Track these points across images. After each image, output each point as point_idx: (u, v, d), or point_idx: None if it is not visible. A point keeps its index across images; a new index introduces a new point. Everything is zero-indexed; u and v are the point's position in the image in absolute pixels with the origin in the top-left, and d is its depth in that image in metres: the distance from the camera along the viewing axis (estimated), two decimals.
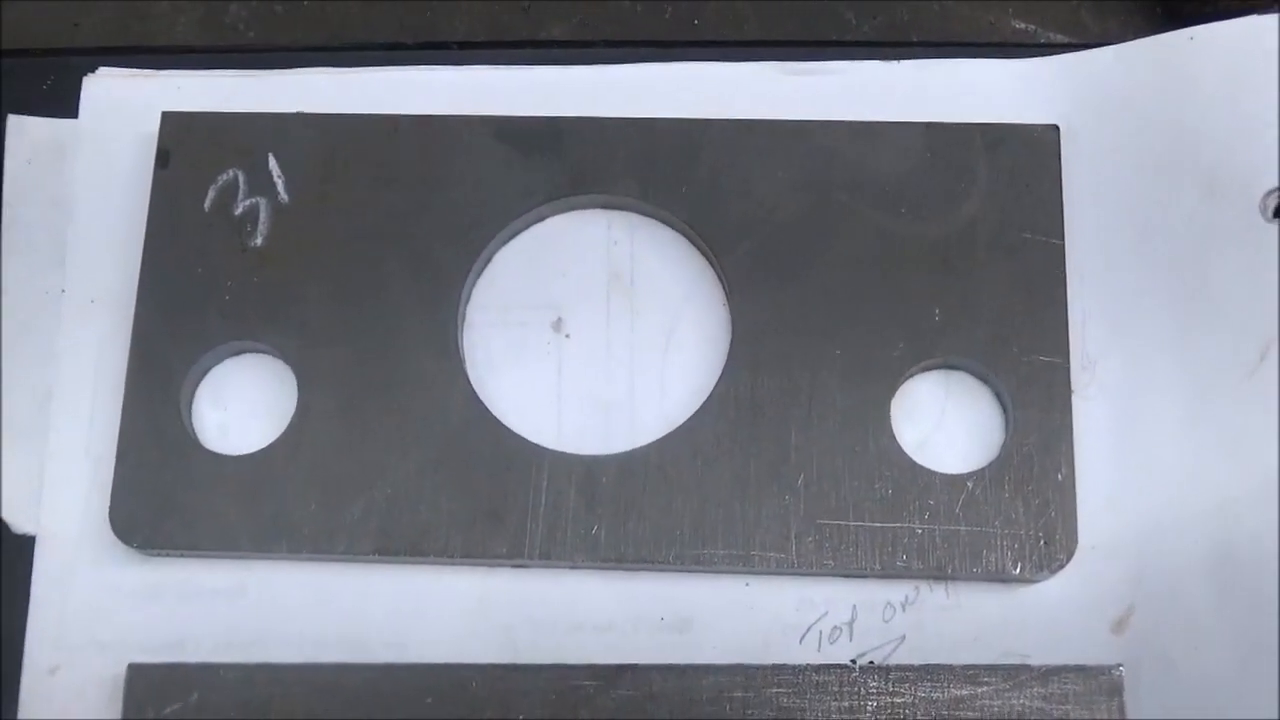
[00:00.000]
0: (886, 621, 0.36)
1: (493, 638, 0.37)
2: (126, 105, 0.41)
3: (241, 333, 0.39)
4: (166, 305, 0.39)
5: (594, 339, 0.39)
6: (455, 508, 0.37)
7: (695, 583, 0.37)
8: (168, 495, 0.37)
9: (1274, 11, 0.39)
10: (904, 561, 0.36)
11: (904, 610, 0.36)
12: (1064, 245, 0.38)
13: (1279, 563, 0.35)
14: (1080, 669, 0.35)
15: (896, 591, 0.36)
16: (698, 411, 0.37)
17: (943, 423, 0.37)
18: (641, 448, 0.37)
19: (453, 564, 0.37)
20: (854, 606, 0.36)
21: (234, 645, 0.37)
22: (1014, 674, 0.35)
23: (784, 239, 0.39)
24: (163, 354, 0.38)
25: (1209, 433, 0.36)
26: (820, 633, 0.36)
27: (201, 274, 0.39)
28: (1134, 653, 0.35)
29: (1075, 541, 0.36)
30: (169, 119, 0.40)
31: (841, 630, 0.36)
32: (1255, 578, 0.35)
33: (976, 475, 0.36)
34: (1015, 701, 0.35)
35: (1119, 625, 0.36)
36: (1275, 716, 0.34)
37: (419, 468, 0.37)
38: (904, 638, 0.36)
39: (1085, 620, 0.36)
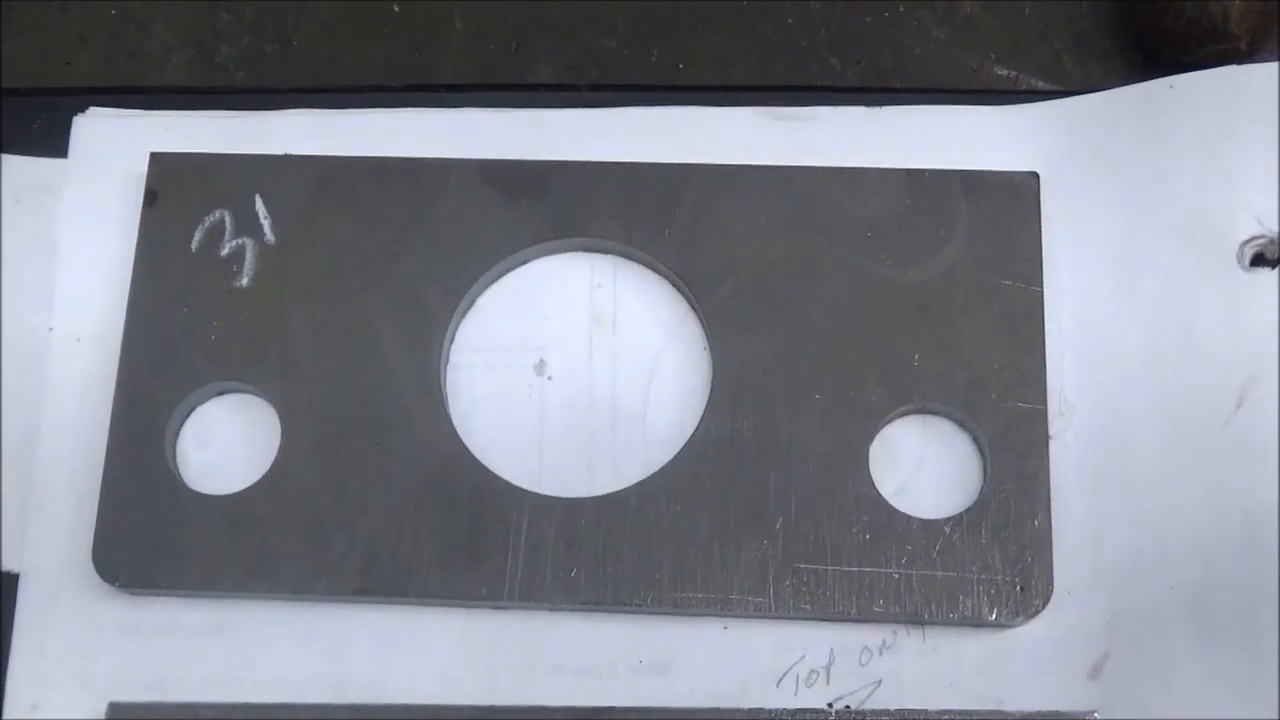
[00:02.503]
0: (863, 665, 0.36)
1: (472, 679, 0.37)
2: (116, 145, 0.41)
3: (226, 373, 0.39)
4: (152, 344, 0.39)
5: (576, 381, 0.39)
6: (436, 548, 0.37)
7: (674, 625, 0.37)
8: (151, 534, 0.37)
9: (1252, 62, 0.39)
10: (881, 606, 0.36)
11: (881, 655, 0.36)
12: (1042, 291, 0.38)
13: (1253, 608, 0.35)
14: (1055, 715, 0.35)
15: (874, 636, 0.37)
16: (678, 455, 0.38)
17: (920, 468, 0.38)
18: (621, 490, 0.37)
19: (433, 604, 0.37)
20: (831, 650, 0.37)
21: (214, 684, 0.37)
22: None
23: (765, 283, 0.39)
24: (148, 393, 0.38)
25: (1185, 478, 0.37)
26: (798, 676, 0.36)
27: (187, 314, 0.39)
28: (1110, 698, 0.36)
29: (1051, 587, 0.36)
30: (157, 159, 0.41)
31: (819, 674, 0.36)
32: (1231, 623, 0.36)
33: (953, 520, 0.37)
34: None
35: (1095, 671, 0.36)
36: None
37: (400, 507, 0.37)
38: (880, 682, 0.36)
39: (1061, 666, 0.36)
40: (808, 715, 0.36)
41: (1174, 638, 0.36)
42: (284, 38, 0.43)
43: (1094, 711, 0.35)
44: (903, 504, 0.37)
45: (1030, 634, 0.36)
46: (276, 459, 0.38)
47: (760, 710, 0.36)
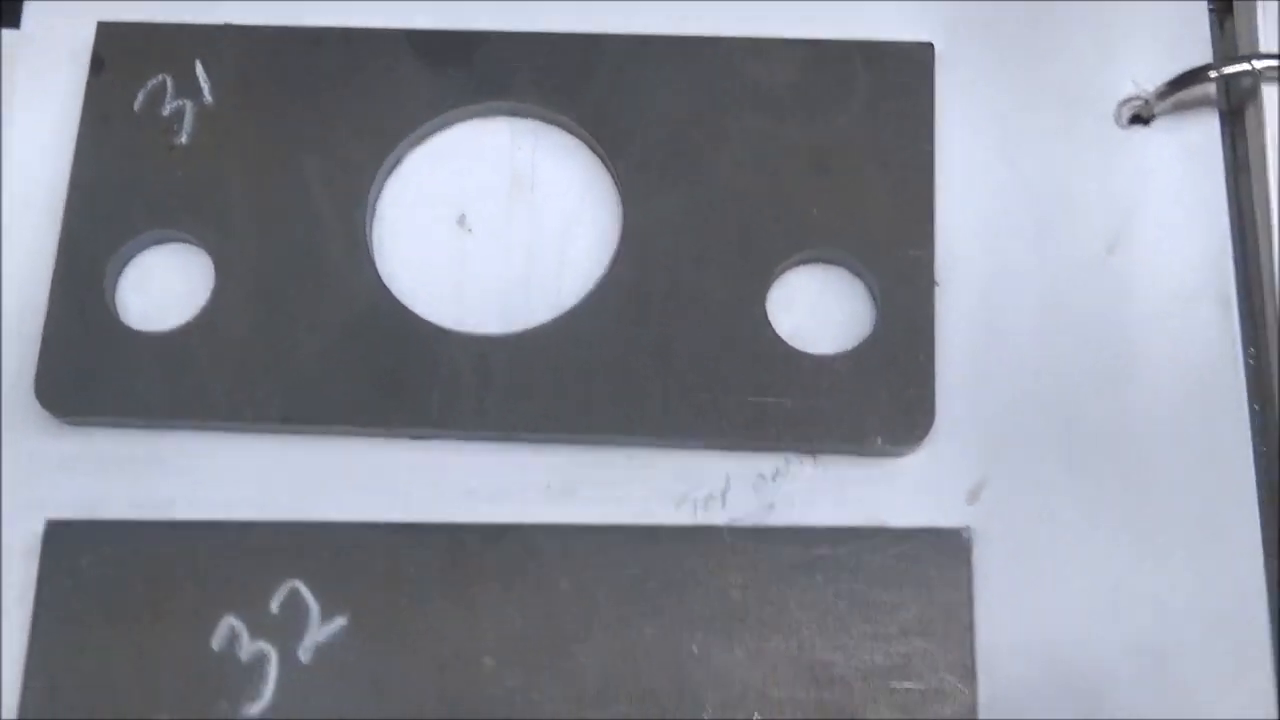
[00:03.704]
0: (757, 491, 0.39)
1: (390, 503, 0.39)
2: (67, 17, 0.44)
3: (164, 223, 0.41)
4: (95, 195, 0.41)
5: (495, 234, 0.41)
6: (358, 382, 0.39)
7: (580, 454, 0.39)
8: (90, 368, 0.40)
9: None
10: (775, 436, 0.39)
11: (774, 481, 0.39)
12: (933, 151, 0.41)
13: (1118, 438, 0.38)
14: (933, 531, 0.38)
15: (768, 464, 0.39)
16: (587, 297, 0.40)
17: (815, 312, 0.40)
18: (534, 329, 0.40)
19: (355, 435, 0.40)
20: (727, 476, 0.39)
21: (148, 509, 0.39)
22: (872, 535, 0.38)
23: (674, 145, 0.41)
24: (89, 239, 0.41)
25: (1060, 320, 0.39)
26: (695, 500, 0.39)
27: (128, 168, 0.42)
28: (984, 520, 0.38)
29: (932, 418, 0.38)
30: (104, 28, 0.43)
31: (715, 498, 0.39)
32: (1097, 450, 0.38)
33: (844, 357, 0.39)
34: (872, 560, 0.37)
35: (972, 495, 0.38)
36: (1113, 573, 0.37)
37: (326, 346, 0.40)
38: (773, 505, 0.39)
39: (941, 490, 0.38)
40: (704, 532, 0.38)
41: (1044, 464, 0.38)
42: None
43: (968, 528, 0.37)
44: (798, 343, 0.39)
45: (913, 462, 0.39)
46: (209, 301, 0.40)
47: (658, 528, 0.38)
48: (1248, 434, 0.38)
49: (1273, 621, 0.36)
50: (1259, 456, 0.38)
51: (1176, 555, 0.37)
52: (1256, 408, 0.38)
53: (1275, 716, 0.36)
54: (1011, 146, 0.41)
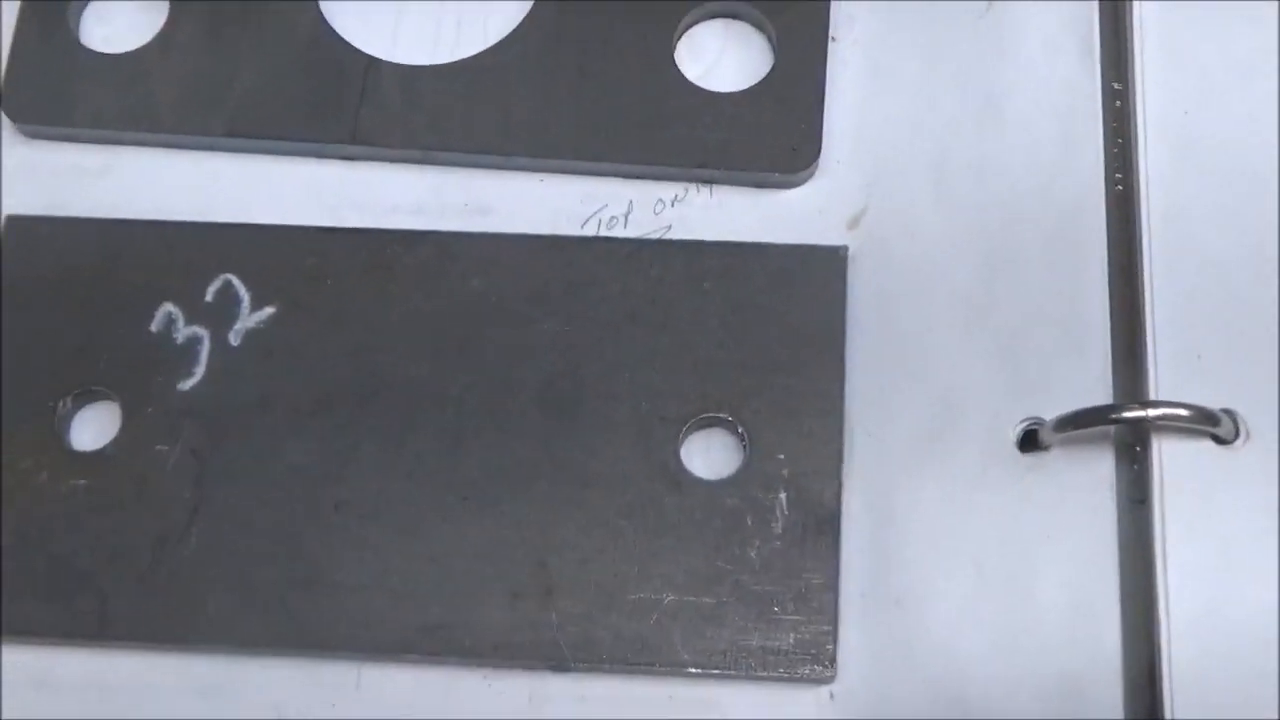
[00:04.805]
0: (657, 214, 0.42)
1: (320, 216, 0.43)
2: None
3: None
4: None
5: None
6: (296, 102, 0.43)
7: (496, 178, 0.43)
8: (53, 84, 0.43)
9: None
10: (674, 163, 0.42)
11: (673, 206, 0.42)
12: None
13: (983, 176, 0.42)
14: (814, 247, 0.41)
15: (667, 191, 0.43)
16: (509, 35, 0.43)
17: (720, 60, 0.44)
18: (459, 60, 0.43)
19: (290, 156, 0.43)
20: (630, 201, 0.43)
21: (98, 214, 0.43)
22: (758, 250, 0.41)
23: None
24: None
25: (941, 67, 0.43)
26: (600, 220, 0.42)
27: None
28: (863, 244, 0.42)
29: (818, 150, 0.42)
30: None
31: (619, 219, 0.42)
32: (966, 188, 0.42)
33: (741, 95, 0.43)
34: (757, 271, 0.41)
35: (853, 222, 0.42)
36: (971, 286, 0.40)
37: (268, 71, 0.43)
38: (670, 227, 0.42)
39: (825, 218, 0.42)
40: (605, 243, 0.42)
41: (918, 194, 0.42)
42: None
43: (845, 246, 0.41)
44: (701, 85, 0.43)
45: (800, 194, 0.42)
46: (164, 28, 0.44)
47: (565, 237, 0.42)
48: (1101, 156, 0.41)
49: None
50: (1109, 181, 0.41)
51: (1029, 271, 0.41)
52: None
53: None
54: None
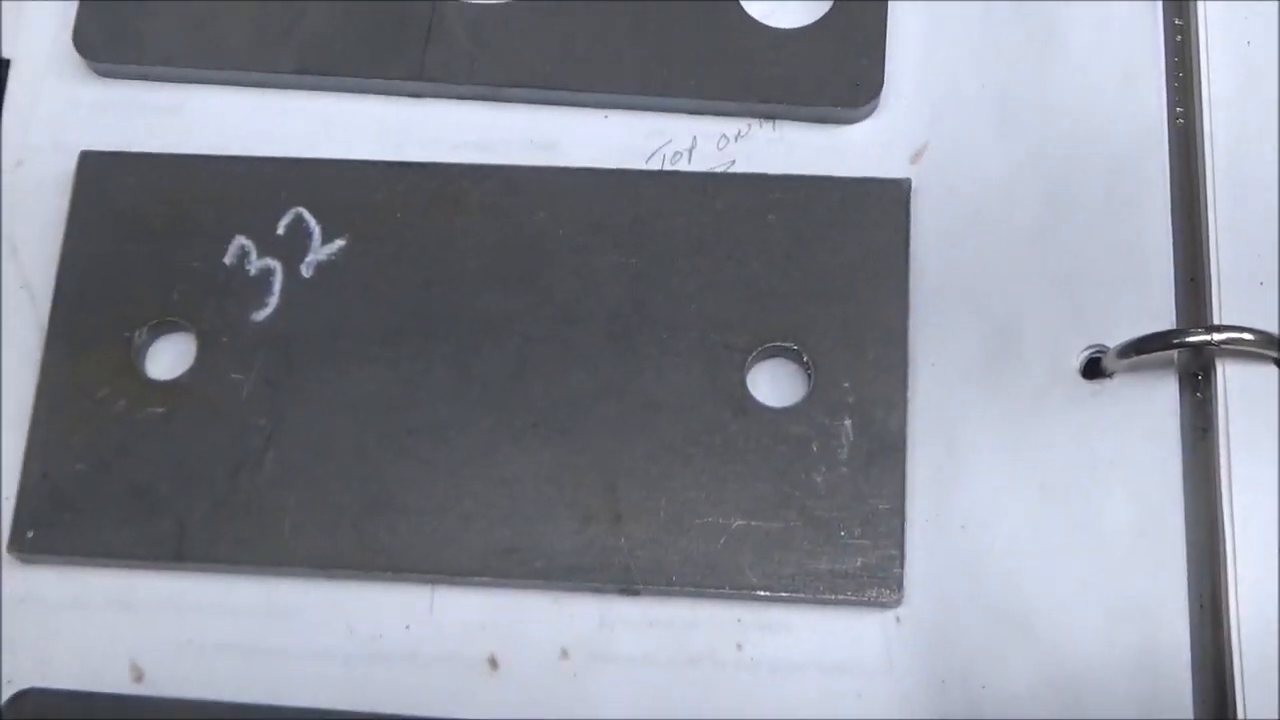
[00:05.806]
0: (720, 150, 0.43)
1: (387, 152, 0.43)
2: None
3: None
4: None
5: None
6: (364, 40, 0.44)
7: (562, 114, 0.44)
8: (123, 20, 0.44)
9: None
10: (738, 98, 0.43)
11: (736, 141, 0.43)
12: None
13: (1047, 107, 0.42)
14: (877, 180, 0.42)
15: (731, 126, 0.43)
16: None
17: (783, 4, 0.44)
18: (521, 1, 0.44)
19: (357, 93, 0.44)
20: (694, 136, 0.43)
21: (172, 149, 0.44)
22: (822, 183, 0.42)
23: None
24: None
25: (1003, 2, 0.43)
26: (664, 155, 0.43)
27: None
28: (925, 178, 0.42)
29: (881, 84, 0.42)
30: None
31: (682, 154, 0.43)
32: (1028, 121, 0.42)
33: (805, 30, 0.43)
34: (820, 203, 0.41)
35: (915, 157, 0.42)
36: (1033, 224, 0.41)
37: (336, 11, 0.44)
38: (734, 162, 0.43)
39: (887, 153, 0.42)
40: (669, 176, 0.42)
41: (979, 128, 0.42)
42: None
43: (908, 179, 0.41)
44: (767, 21, 0.43)
45: (862, 129, 0.43)
46: None
47: (631, 171, 0.42)
48: (1164, 88, 0.42)
49: None
50: (1171, 114, 0.42)
51: (1091, 201, 0.41)
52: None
53: None
54: None
